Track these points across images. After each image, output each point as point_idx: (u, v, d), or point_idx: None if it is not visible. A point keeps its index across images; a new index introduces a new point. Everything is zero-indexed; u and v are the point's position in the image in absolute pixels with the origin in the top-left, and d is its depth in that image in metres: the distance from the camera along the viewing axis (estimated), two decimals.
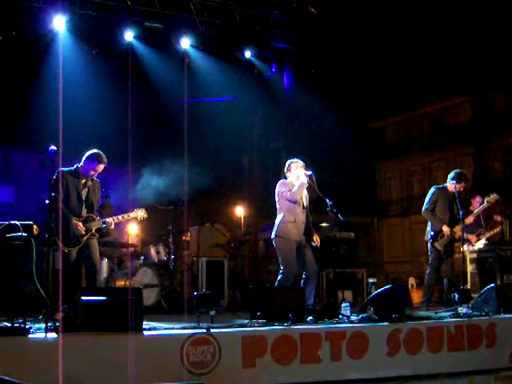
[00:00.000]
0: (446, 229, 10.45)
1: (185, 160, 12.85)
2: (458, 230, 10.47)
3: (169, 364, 6.35)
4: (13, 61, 12.73)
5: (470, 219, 10.84)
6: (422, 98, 32.40)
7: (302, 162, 9.30)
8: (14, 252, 6.92)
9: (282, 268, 9.11)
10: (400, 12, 26.63)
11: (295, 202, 9.11)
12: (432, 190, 10.82)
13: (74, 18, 12.87)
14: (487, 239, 11.84)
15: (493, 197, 11.01)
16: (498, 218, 12.16)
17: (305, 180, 9.09)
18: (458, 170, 10.81)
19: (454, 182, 10.52)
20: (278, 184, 9.32)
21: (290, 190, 9.09)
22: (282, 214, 9.18)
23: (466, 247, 11.28)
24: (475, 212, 11.11)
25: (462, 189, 10.54)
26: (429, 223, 10.79)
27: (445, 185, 10.74)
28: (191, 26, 14.05)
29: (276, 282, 9.13)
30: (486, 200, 11.04)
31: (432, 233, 10.61)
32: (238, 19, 14.33)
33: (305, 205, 9.25)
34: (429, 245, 10.70)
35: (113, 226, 9.04)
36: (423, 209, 10.81)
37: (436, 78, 29.98)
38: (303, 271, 9.14)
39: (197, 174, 13.23)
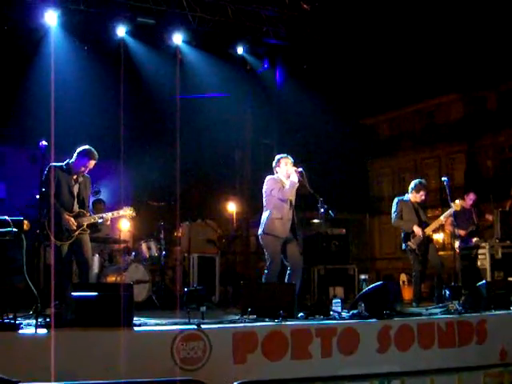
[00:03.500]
0: (416, 228, 10.70)
1: (177, 156, 12.83)
2: (428, 230, 10.78)
3: (159, 360, 6.35)
4: (4, 56, 12.68)
5: (431, 227, 10.92)
6: (415, 96, 32.46)
7: (291, 158, 9.27)
8: (5, 247, 6.90)
9: (267, 264, 9.13)
10: (393, 9, 26.63)
11: (284, 201, 9.10)
12: (395, 201, 11.12)
13: (65, 13, 12.80)
14: (479, 236, 11.88)
15: (459, 203, 11.01)
16: (490, 217, 12.20)
17: (296, 179, 9.06)
18: (416, 181, 11.15)
19: (414, 192, 10.93)
20: (266, 180, 9.26)
21: (279, 189, 9.08)
22: (269, 210, 9.16)
23: (457, 244, 11.33)
24: (441, 218, 11.05)
25: (423, 197, 10.98)
26: (402, 231, 10.95)
27: (407, 196, 10.94)
28: (183, 21, 14.01)
29: (263, 278, 9.14)
30: (453, 205, 10.95)
31: (402, 235, 10.83)
32: (231, 15, 14.29)
33: (292, 202, 9.22)
34: (406, 248, 10.82)
35: (108, 222, 9.08)
36: (392, 219, 11.05)
37: (428, 76, 30.03)
38: (288, 266, 9.15)
39: (188, 169, 13.22)
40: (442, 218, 10.98)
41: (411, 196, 10.96)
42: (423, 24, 28.34)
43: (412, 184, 11.06)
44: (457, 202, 10.89)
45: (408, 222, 10.77)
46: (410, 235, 10.74)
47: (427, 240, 10.77)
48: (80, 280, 8.58)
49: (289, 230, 9.11)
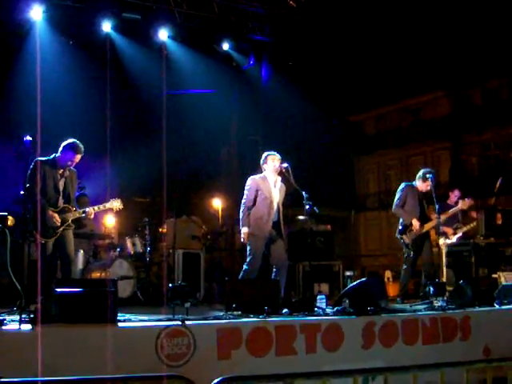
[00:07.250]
0: (415, 222, 10.60)
1: (163, 151, 12.80)
2: (427, 226, 10.69)
3: (144, 356, 6.32)
4: None
5: (442, 218, 10.88)
6: (401, 92, 32.53)
7: (278, 155, 9.31)
8: None
9: (247, 259, 9.15)
10: (379, 6, 26.67)
11: (265, 201, 9.15)
12: (402, 186, 11.01)
13: (51, 8, 12.77)
14: (463, 233, 11.92)
15: (468, 202, 11.05)
16: (474, 214, 12.25)
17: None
18: (424, 170, 11.04)
19: (420, 181, 10.83)
20: (248, 180, 9.38)
21: (246, 198, 9.24)
22: (252, 209, 9.24)
23: (441, 241, 11.37)
24: (450, 212, 11.14)
25: (428, 187, 10.73)
26: (400, 220, 10.90)
27: (414, 183, 10.89)
28: (169, 17, 14.00)
29: (241, 273, 9.15)
30: (461, 203, 11.03)
31: (400, 227, 10.76)
32: (217, 11, 14.30)
33: (276, 200, 9.25)
34: (400, 240, 10.82)
35: (92, 216, 9.03)
36: (393, 206, 10.97)
37: (415, 73, 30.09)
38: (273, 264, 9.18)
39: (174, 165, 13.19)
40: (449, 212, 11.04)
41: (418, 183, 10.93)
42: (409, 21, 28.39)
43: (420, 172, 10.97)
44: (466, 200, 10.94)
45: (409, 214, 10.74)
46: (407, 228, 10.72)
47: (424, 236, 10.74)
48: (63, 275, 8.55)
49: (271, 229, 9.15)
